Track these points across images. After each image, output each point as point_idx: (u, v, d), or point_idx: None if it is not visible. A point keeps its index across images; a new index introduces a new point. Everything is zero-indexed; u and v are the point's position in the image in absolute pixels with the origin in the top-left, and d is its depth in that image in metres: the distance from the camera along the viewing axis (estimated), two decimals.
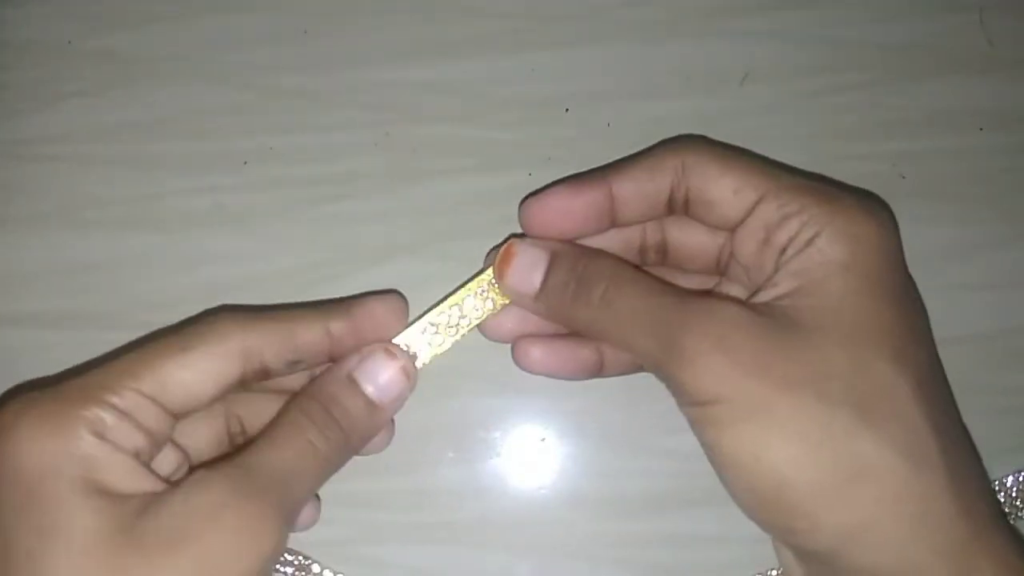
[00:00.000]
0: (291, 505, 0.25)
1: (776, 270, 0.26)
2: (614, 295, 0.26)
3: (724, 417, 0.24)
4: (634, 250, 0.30)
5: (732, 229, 0.27)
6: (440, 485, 0.33)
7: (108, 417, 0.24)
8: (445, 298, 0.29)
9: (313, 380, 0.28)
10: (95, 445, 0.24)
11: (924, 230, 0.33)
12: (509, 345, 0.30)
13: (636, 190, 0.28)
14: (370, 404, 0.28)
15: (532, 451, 0.33)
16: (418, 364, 0.29)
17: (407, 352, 0.29)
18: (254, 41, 0.35)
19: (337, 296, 0.32)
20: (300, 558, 0.32)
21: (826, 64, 0.34)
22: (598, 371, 0.30)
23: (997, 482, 0.32)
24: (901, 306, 0.25)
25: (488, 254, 0.30)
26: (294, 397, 0.27)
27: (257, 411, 0.29)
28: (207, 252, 0.34)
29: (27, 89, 0.35)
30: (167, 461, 0.27)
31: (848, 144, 0.34)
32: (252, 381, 0.27)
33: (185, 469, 0.28)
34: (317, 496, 0.29)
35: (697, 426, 0.25)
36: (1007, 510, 0.32)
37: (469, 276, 0.30)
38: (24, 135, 0.34)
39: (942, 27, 0.35)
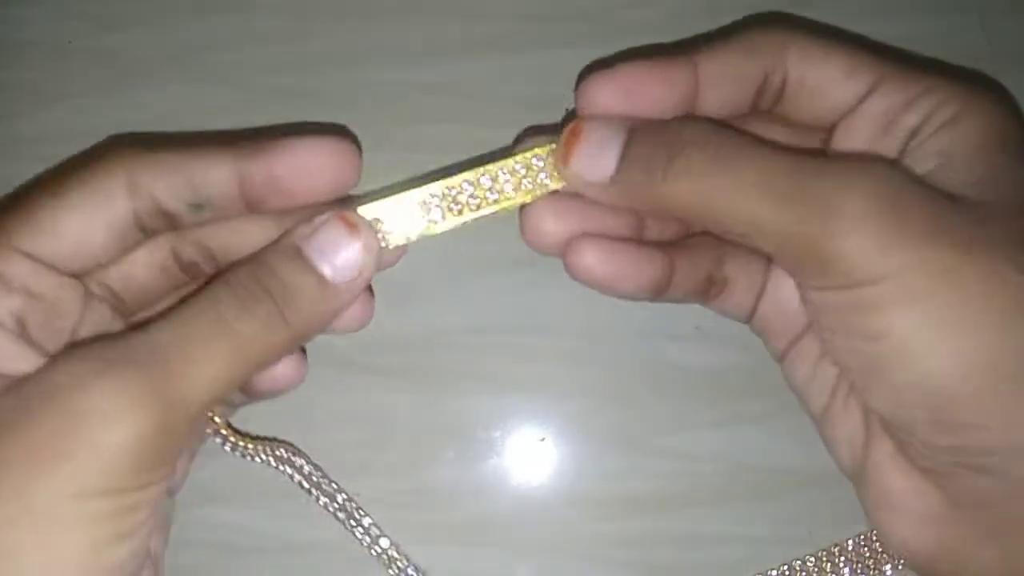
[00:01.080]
0: (181, 386, 0.20)
1: (903, 155, 0.23)
2: (728, 157, 0.21)
3: (898, 294, 0.20)
4: None
5: (834, 122, 0.24)
6: (440, 485, 0.33)
7: None
8: (452, 175, 0.25)
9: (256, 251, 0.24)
10: None
11: None
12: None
13: (726, 74, 0.23)
14: (321, 281, 0.23)
15: (532, 451, 0.33)
16: (399, 240, 0.25)
17: (376, 226, 0.24)
18: (254, 41, 0.35)
19: None
20: (345, 499, 0.31)
21: None
22: (664, 288, 0.25)
23: None
24: None
25: (520, 137, 0.26)
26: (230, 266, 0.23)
27: (227, 234, 0.25)
28: None
29: (27, 89, 0.35)
30: (92, 318, 0.23)
31: None
32: (155, 227, 0.23)
33: (118, 324, 0.24)
34: (303, 350, 0.26)
35: (851, 316, 0.21)
36: None
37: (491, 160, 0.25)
38: (24, 135, 0.34)
39: (941, 27, 0.34)
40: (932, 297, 0.20)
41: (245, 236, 0.24)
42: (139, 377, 0.20)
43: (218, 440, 0.27)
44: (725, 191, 0.21)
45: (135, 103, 0.34)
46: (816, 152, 0.23)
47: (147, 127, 0.34)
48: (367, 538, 0.32)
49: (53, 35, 0.35)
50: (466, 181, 0.25)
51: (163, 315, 0.21)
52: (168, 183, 0.23)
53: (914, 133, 0.23)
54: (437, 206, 0.25)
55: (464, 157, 0.34)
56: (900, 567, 0.32)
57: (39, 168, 0.34)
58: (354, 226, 0.23)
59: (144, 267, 0.24)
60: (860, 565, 0.32)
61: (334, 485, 0.32)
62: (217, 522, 0.30)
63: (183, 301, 0.22)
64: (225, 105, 0.34)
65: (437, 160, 0.34)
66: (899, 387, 0.21)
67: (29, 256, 0.22)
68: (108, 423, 0.19)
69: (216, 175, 0.23)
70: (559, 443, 0.33)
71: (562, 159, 0.23)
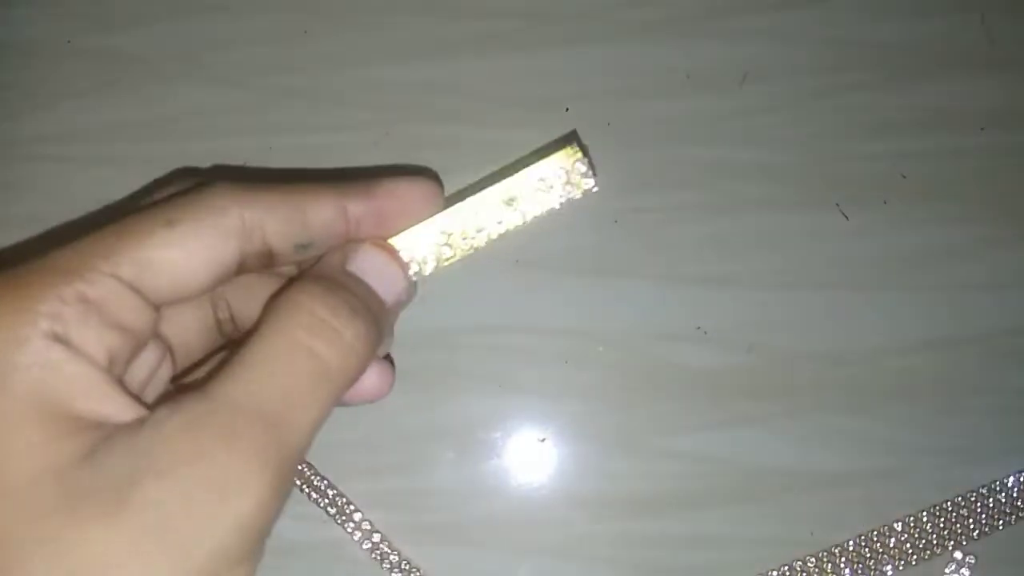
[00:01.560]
0: (285, 449, 0.19)
1: None
2: None
3: None
4: None
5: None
6: (440, 486, 0.32)
7: (71, 311, 0.19)
8: (466, 197, 0.25)
9: (301, 274, 0.23)
10: (51, 350, 0.18)
11: (926, 230, 0.33)
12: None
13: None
14: (380, 301, 0.22)
15: (532, 452, 0.33)
16: (427, 270, 0.25)
17: (406, 256, 0.24)
18: (254, 40, 0.35)
19: None
20: (342, 500, 0.31)
21: (827, 64, 0.34)
22: None
23: (999, 483, 0.32)
24: None
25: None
26: (280, 294, 0.21)
27: (247, 294, 0.24)
28: None
29: (27, 89, 0.35)
30: (145, 359, 0.22)
31: (849, 144, 0.34)
32: (255, 267, 0.23)
33: (167, 369, 0.23)
34: (391, 360, 0.25)
35: None
36: (1007, 511, 0.32)
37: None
38: (24, 135, 0.34)
39: (943, 26, 0.34)
40: None
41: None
42: (256, 440, 0.18)
43: None
44: None
45: (135, 102, 0.34)
46: None
47: (147, 126, 0.34)
48: (368, 541, 0.31)
49: (53, 35, 0.35)
50: (482, 204, 0.25)
51: (238, 356, 0.20)
52: (282, 225, 0.22)
53: None
54: (453, 234, 0.25)
55: (464, 156, 0.34)
56: (900, 568, 0.32)
57: (40, 168, 0.34)
58: (391, 251, 0.24)
59: (192, 332, 0.24)
60: (860, 565, 0.32)
61: (326, 481, 0.32)
62: None
63: (258, 332, 0.20)
64: (225, 103, 0.34)
65: (436, 160, 0.34)
66: None
67: (129, 286, 0.20)
68: (234, 494, 0.18)
69: (326, 215, 0.23)
70: (560, 444, 0.33)
71: None
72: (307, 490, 0.31)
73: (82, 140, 0.34)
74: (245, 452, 0.18)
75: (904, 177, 0.34)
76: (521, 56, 0.34)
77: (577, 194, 0.25)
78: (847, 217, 0.33)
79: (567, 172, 0.25)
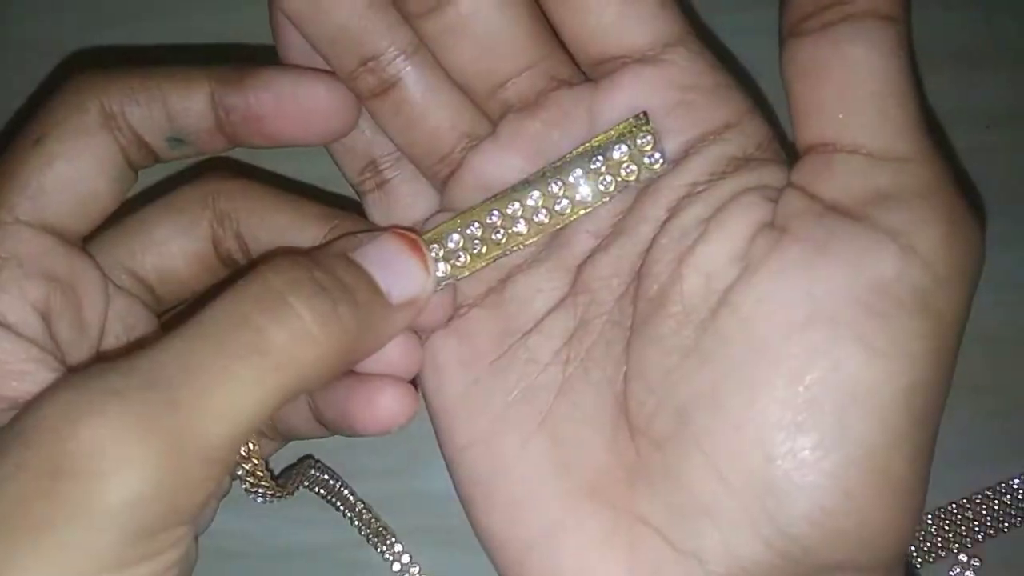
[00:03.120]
0: (187, 437, 0.16)
1: None
2: None
3: None
4: None
5: None
6: (439, 488, 0.32)
7: None
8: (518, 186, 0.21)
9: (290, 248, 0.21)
10: None
11: None
12: None
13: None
14: (377, 290, 0.19)
15: None
16: (462, 271, 0.21)
17: (433, 254, 0.21)
18: (252, 37, 0.34)
19: None
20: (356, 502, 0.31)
21: None
22: None
23: (1004, 484, 0.32)
24: None
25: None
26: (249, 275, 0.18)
27: (253, 217, 0.21)
28: None
29: (24, 86, 0.34)
30: (119, 310, 0.20)
31: None
32: (142, 163, 0.21)
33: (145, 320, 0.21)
34: (413, 383, 0.22)
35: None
36: (1013, 512, 0.32)
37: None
38: None
39: (947, 22, 0.34)
40: None
41: (285, 237, 0.21)
42: (144, 410, 0.15)
43: (248, 489, 0.23)
44: None
45: None
46: None
47: None
48: (382, 545, 0.31)
49: (51, 32, 0.34)
50: (535, 190, 0.21)
51: (179, 323, 0.17)
52: (145, 113, 0.20)
53: None
54: (493, 226, 0.21)
55: None
56: None
57: None
58: (412, 242, 0.20)
59: (182, 258, 0.21)
60: None
61: (334, 479, 0.31)
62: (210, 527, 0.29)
63: (200, 303, 0.18)
64: None
65: None
66: None
67: (39, 228, 0.18)
68: (105, 475, 0.15)
69: (194, 103, 0.20)
70: None
71: None
72: (317, 490, 0.31)
73: None
74: (130, 424, 0.15)
75: None
76: None
77: (645, 174, 0.21)
78: None
79: (629, 148, 0.21)
